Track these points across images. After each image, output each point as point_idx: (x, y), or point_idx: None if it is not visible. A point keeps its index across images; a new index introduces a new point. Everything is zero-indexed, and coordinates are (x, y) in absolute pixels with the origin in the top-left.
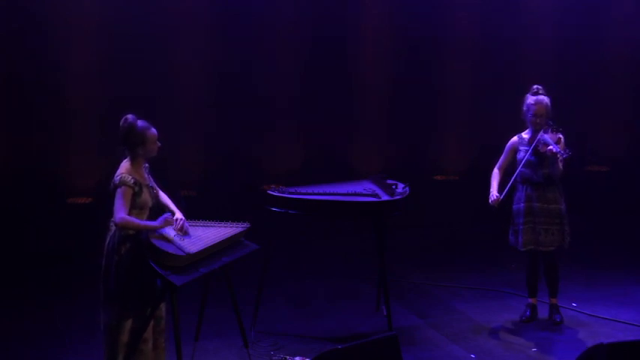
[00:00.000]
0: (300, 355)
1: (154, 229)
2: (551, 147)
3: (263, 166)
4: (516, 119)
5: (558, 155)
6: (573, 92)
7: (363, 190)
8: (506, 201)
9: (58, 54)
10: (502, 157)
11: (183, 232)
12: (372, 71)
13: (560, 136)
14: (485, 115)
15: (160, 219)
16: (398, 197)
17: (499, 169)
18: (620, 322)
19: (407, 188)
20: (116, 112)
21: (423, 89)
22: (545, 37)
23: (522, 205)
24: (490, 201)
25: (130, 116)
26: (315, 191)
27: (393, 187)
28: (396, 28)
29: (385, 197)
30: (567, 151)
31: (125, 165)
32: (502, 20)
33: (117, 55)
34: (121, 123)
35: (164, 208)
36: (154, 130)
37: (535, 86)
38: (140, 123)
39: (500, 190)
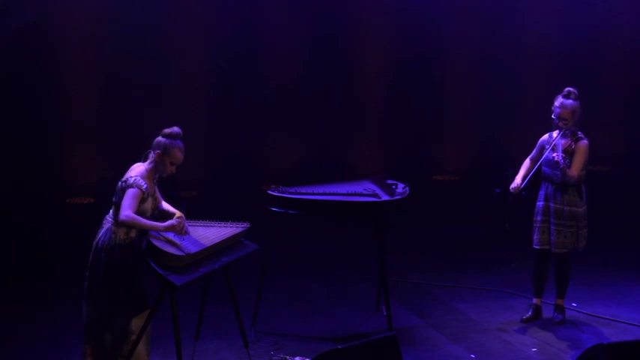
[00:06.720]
0: (300, 355)
1: (158, 231)
2: (555, 154)
3: (263, 166)
4: (516, 119)
5: (559, 164)
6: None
7: (363, 190)
8: (528, 196)
9: (57, 55)
10: (534, 151)
11: (183, 232)
12: (373, 71)
13: (583, 142)
14: (485, 115)
15: (167, 223)
16: (398, 197)
17: (530, 160)
18: (620, 322)
19: (407, 188)
20: (116, 113)
21: (423, 89)
22: (543, 38)
23: (542, 203)
24: (510, 188)
25: (176, 128)
26: (315, 191)
27: (393, 187)
28: (397, 30)
29: (385, 197)
30: (567, 161)
31: (141, 169)
32: (501, 21)
33: (117, 56)
34: (165, 129)
35: (166, 215)
36: (181, 155)
37: (567, 89)
38: (179, 140)
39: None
